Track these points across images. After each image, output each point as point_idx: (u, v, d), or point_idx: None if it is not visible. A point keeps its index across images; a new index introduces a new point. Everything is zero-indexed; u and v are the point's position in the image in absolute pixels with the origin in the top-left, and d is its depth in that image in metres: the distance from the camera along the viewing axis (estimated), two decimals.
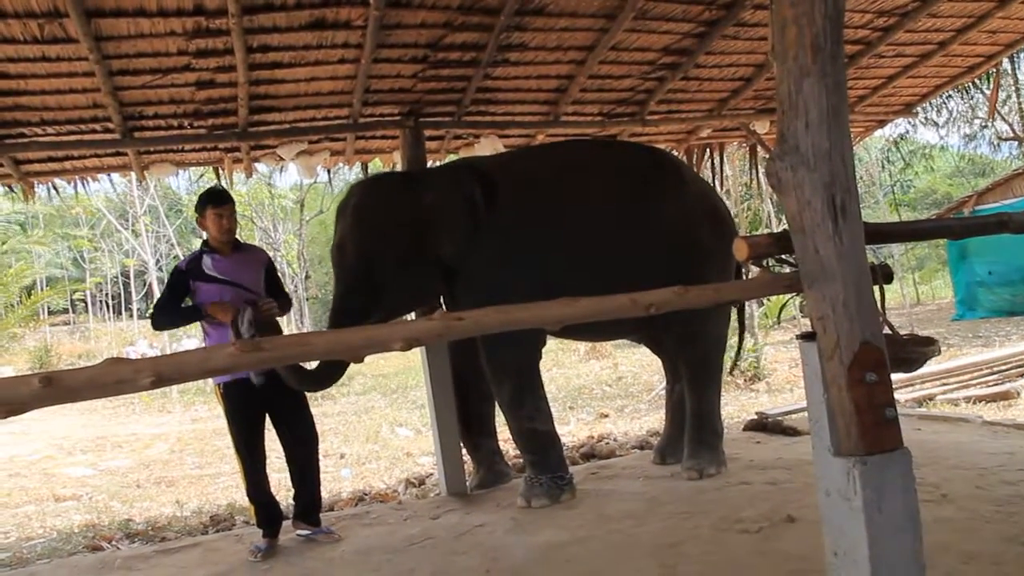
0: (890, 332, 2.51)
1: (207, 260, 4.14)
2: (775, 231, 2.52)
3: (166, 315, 4.13)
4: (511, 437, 4.69)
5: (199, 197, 4.35)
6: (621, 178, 4.72)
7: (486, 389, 4.74)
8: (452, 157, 5.79)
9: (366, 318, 4.09)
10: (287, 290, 4.66)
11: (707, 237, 4.76)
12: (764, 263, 2.62)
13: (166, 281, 4.34)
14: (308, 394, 4.37)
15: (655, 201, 4.69)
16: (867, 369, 2.20)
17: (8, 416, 1.61)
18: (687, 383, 4.98)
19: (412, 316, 4.79)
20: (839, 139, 2.23)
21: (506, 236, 4.38)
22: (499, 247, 4.36)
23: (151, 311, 4.35)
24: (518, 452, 4.93)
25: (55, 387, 1.63)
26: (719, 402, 5.10)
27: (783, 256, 2.44)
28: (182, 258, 4.42)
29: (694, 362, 4.94)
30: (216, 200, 4.21)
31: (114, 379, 1.68)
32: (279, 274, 4.70)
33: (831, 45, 2.21)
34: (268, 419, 4.18)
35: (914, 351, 2.68)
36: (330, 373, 4.19)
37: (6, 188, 5.51)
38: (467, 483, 5.11)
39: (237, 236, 4.37)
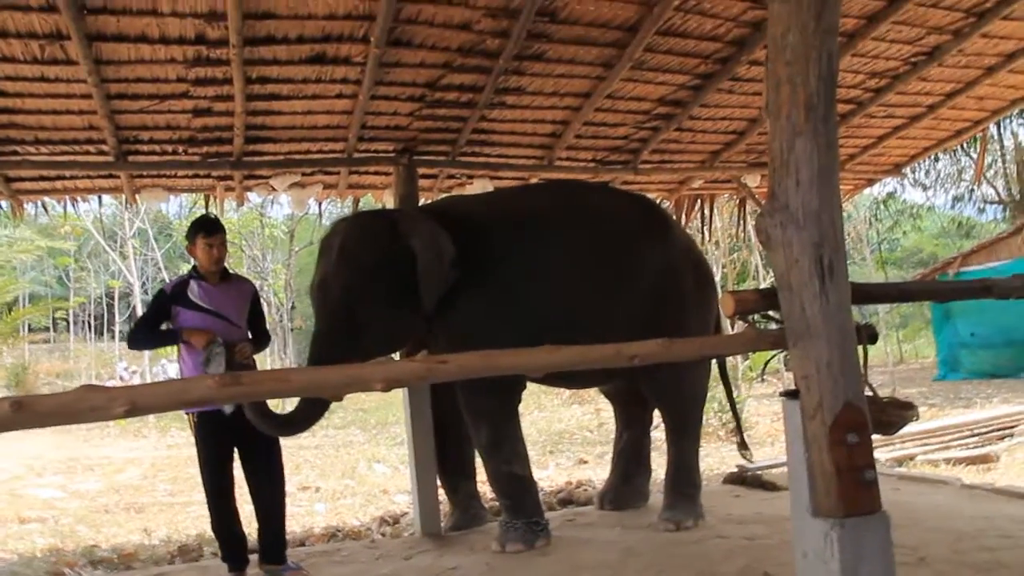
0: (871, 394, 2.52)
1: (194, 287, 4.10)
2: (762, 287, 2.53)
3: (143, 335, 4.16)
4: (487, 480, 4.63)
5: (191, 224, 4.32)
6: (610, 225, 4.72)
7: (466, 431, 4.66)
8: (443, 196, 5.80)
9: (345, 358, 3.91)
10: (270, 322, 4.61)
11: (691, 289, 4.83)
12: (750, 319, 2.63)
13: (149, 302, 4.30)
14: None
15: (643, 251, 4.71)
16: (848, 430, 2.20)
17: None
18: (668, 434, 5.01)
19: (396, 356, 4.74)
20: (829, 199, 2.26)
21: (491, 285, 4.34)
22: (483, 297, 4.33)
23: (130, 329, 4.28)
24: (494, 495, 4.86)
25: (25, 412, 1.60)
26: (698, 454, 5.09)
27: (769, 312, 2.45)
28: (168, 281, 4.38)
29: (675, 413, 4.96)
30: (208, 229, 4.18)
31: (87, 406, 1.65)
32: (263, 307, 4.63)
33: (824, 106, 2.25)
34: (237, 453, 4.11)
35: (894, 414, 2.69)
36: (307, 415, 4.03)
37: None
38: (442, 524, 5.04)
39: (226, 265, 4.34)
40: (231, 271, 4.42)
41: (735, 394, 10.67)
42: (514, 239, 4.48)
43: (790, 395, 2.34)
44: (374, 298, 4.20)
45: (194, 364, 3.95)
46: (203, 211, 5.60)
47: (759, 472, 6.42)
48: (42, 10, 3.52)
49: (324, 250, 4.42)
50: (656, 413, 5.30)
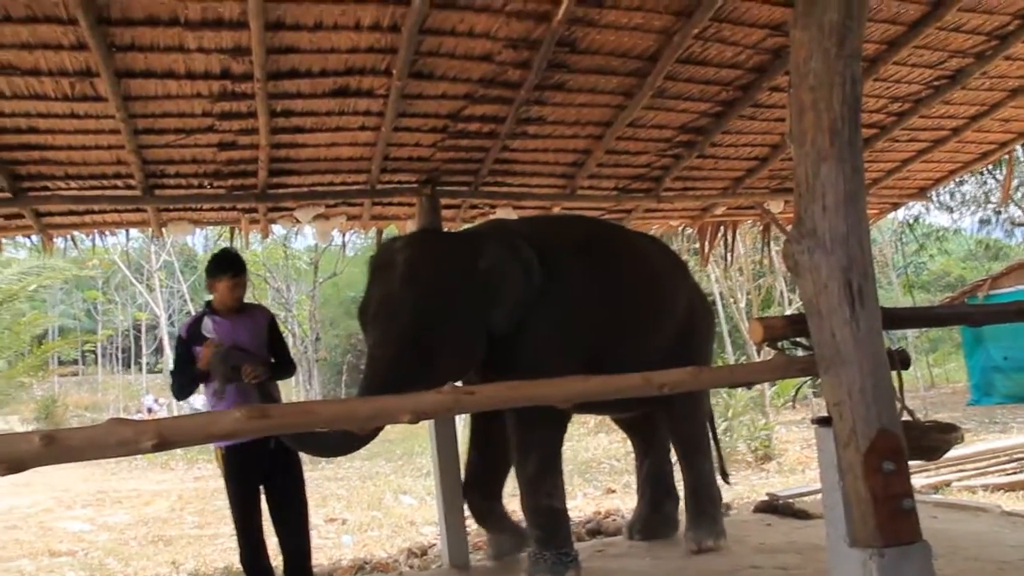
0: (910, 419, 2.47)
1: (207, 323, 4.04)
2: (790, 313, 2.51)
3: (179, 384, 4.08)
4: (523, 511, 4.53)
5: (211, 260, 4.20)
6: (649, 261, 4.83)
7: (507, 455, 4.55)
8: (466, 226, 5.82)
9: (412, 385, 3.79)
10: (294, 353, 4.54)
11: (705, 325, 5.11)
12: (778, 345, 2.59)
13: (174, 351, 4.25)
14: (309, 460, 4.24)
15: (674, 287, 4.81)
16: (884, 457, 2.16)
17: (8, 473, 1.58)
18: (682, 456, 5.10)
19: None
20: (856, 223, 2.24)
21: (557, 307, 4.24)
22: (550, 318, 4.22)
23: (171, 384, 4.23)
24: (528, 526, 4.77)
25: (56, 446, 1.61)
26: (712, 471, 5.17)
27: (798, 339, 2.42)
28: (192, 314, 4.35)
29: (688, 435, 5.07)
30: (232, 269, 4.06)
31: (115, 440, 1.66)
32: (283, 335, 4.51)
33: (849, 130, 2.23)
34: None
35: (936, 439, 2.64)
36: (348, 441, 3.76)
37: (27, 239, 5.55)
38: (473, 556, 4.97)
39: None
40: (246, 302, 4.29)
41: (764, 422, 10.68)
42: (576, 264, 4.43)
43: (822, 422, 2.30)
44: (445, 318, 3.94)
45: (216, 403, 3.94)
46: (227, 243, 5.63)
47: (790, 500, 6.32)
48: (73, 48, 3.60)
49: (382, 270, 4.16)
50: None
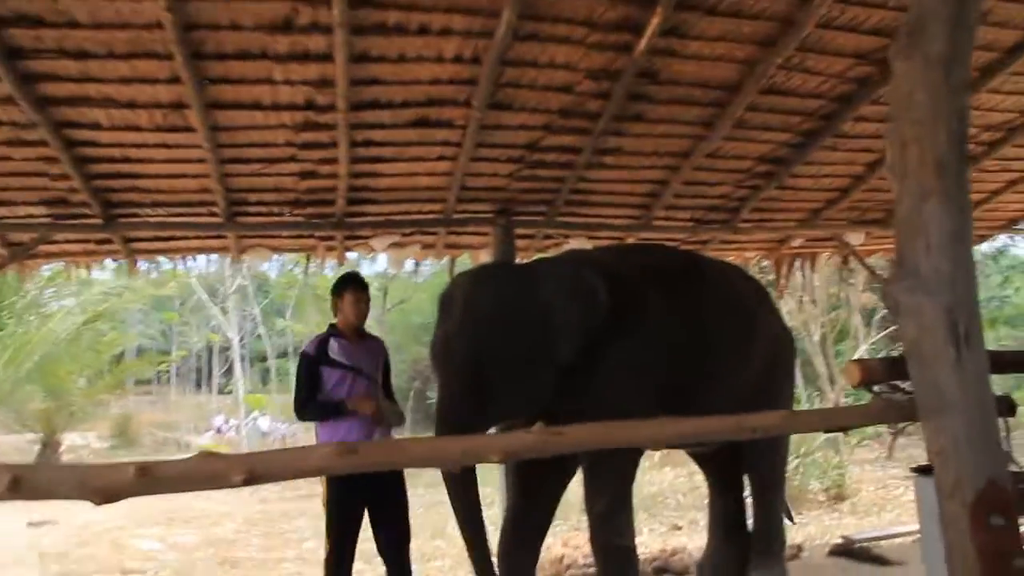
0: (1018, 469, 2.33)
1: (334, 345, 4.10)
2: (888, 355, 2.40)
3: (310, 408, 4.09)
4: (592, 550, 4.37)
5: (338, 280, 4.30)
6: (731, 291, 4.64)
7: (554, 496, 4.34)
8: (540, 256, 5.80)
9: (477, 424, 3.63)
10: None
11: (788, 358, 4.89)
12: (874, 389, 2.48)
13: (298, 370, 4.22)
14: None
15: (758, 318, 4.64)
16: (992, 511, 2.03)
17: (105, 503, 1.60)
18: (757, 494, 4.91)
19: None
20: (962, 263, 2.14)
21: (632, 338, 4.05)
22: (624, 349, 4.03)
23: (295, 400, 4.19)
24: (596, 566, 4.59)
25: (150, 478, 1.63)
26: (781, 511, 5.03)
27: (895, 382, 2.32)
28: (307, 343, 4.37)
29: (765, 475, 4.91)
30: (358, 284, 4.22)
31: (207, 474, 1.67)
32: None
33: (956, 167, 2.14)
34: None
35: None
36: None
37: (113, 261, 5.75)
38: None
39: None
40: (365, 330, 4.35)
41: (838, 460, 10.31)
42: (652, 292, 4.24)
43: (922, 471, 2.18)
44: (505, 356, 3.83)
45: (330, 434, 3.98)
46: (301, 268, 5.71)
47: (867, 544, 6.07)
48: (168, 82, 3.72)
49: (447, 305, 4.08)
50: None
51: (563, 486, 4.37)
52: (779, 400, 4.52)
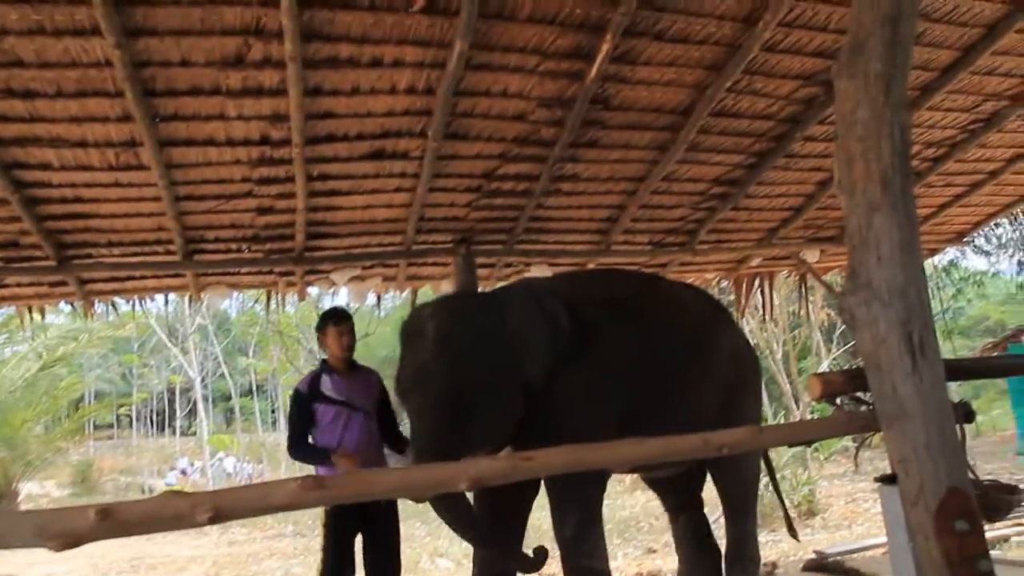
0: (972, 476, 2.37)
1: (326, 380, 4.09)
2: (848, 367, 2.44)
3: (300, 448, 4.08)
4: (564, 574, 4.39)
5: (321, 316, 4.32)
6: (688, 312, 4.68)
7: (521, 524, 4.30)
8: (500, 284, 5.81)
9: (461, 451, 3.55)
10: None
11: (752, 375, 4.88)
12: (837, 401, 2.52)
13: (290, 408, 4.23)
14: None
15: (716, 338, 4.67)
16: (956, 516, 2.07)
17: (65, 549, 1.56)
18: (729, 513, 4.93)
19: None
20: (913, 273, 2.19)
21: (587, 363, 4.09)
22: (581, 373, 4.07)
23: (288, 439, 4.19)
24: None
25: (112, 520, 1.59)
26: (755, 530, 5.03)
27: (857, 394, 2.35)
28: (301, 380, 4.32)
29: (738, 492, 4.92)
30: (337, 318, 4.20)
31: (172, 513, 1.63)
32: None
33: (900, 180, 2.20)
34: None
35: (998, 498, 2.53)
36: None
37: (68, 304, 5.63)
38: None
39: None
40: (358, 362, 4.31)
41: (807, 476, 10.40)
42: (609, 317, 4.28)
43: (887, 480, 2.21)
44: (482, 383, 3.85)
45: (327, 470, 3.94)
46: (262, 306, 5.65)
47: (840, 558, 6.11)
48: (119, 120, 3.69)
49: (413, 338, 4.06)
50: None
51: (530, 503, 4.34)
52: (746, 418, 4.46)
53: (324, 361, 4.22)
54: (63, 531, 1.55)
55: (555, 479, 3.91)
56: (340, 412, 4.02)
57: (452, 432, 3.72)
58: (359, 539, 4.08)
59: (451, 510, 3.65)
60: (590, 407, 4.01)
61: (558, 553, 4.19)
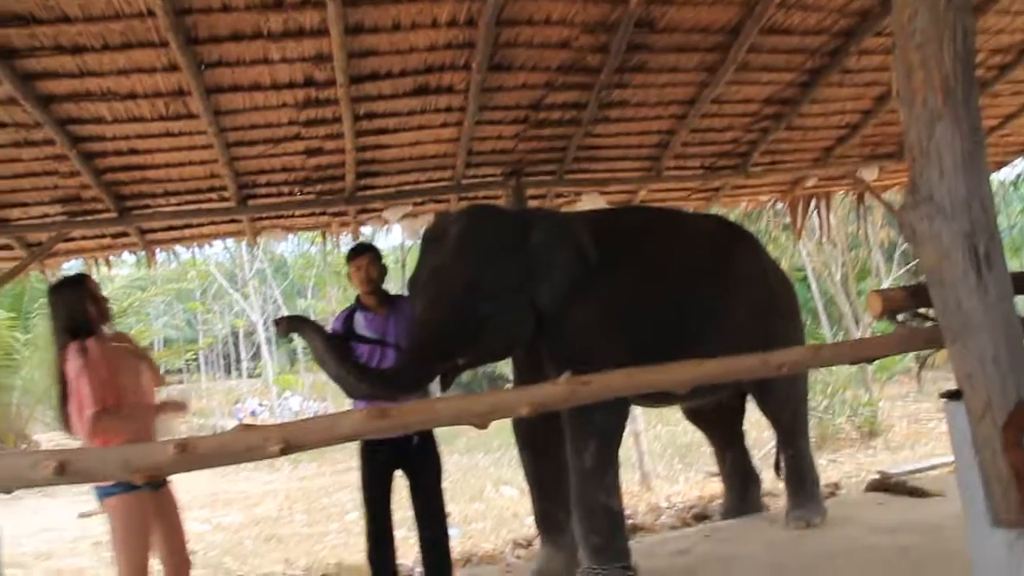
0: None
1: (359, 318, 4.06)
2: (908, 284, 2.39)
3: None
4: (575, 512, 4.05)
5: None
6: (706, 239, 4.69)
7: (564, 457, 4.16)
8: None
9: (456, 351, 3.76)
10: None
11: (784, 302, 4.91)
12: (898, 318, 2.47)
13: None
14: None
15: (738, 261, 4.68)
16: None
17: (148, 481, 1.64)
18: (783, 439, 5.05)
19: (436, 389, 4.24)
20: (977, 185, 2.11)
21: (605, 291, 4.07)
22: (597, 301, 4.06)
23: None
24: (579, 532, 4.10)
25: (189, 453, 1.66)
26: (811, 451, 5.11)
27: (919, 311, 2.31)
28: (335, 316, 4.30)
29: (790, 417, 5.00)
30: (357, 252, 4.15)
31: (244, 446, 1.70)
32: None
33: (964, 87, 2.11)
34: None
35: None
36: (415, 378, 3.73)
37: (132, 254, 5.80)
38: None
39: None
40: (392, 293, 4.25)
41: (868, 397, 10.30)
42: (629, 248, 4.27)
43: (952, 396, 2.18)
44: (496, 290, 3.82)
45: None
46: (317, 247, 5.69)
47: (903, 478, 6.08)
48: (166, 70, 3.72)
49: (434, 242, 4.04)
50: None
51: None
52: (783, 337, 4.46)
53: (358, 298, 4.16)
54: (145, 464, 1.64)
55: (571, 409, 3.81)
56: (375, 350, 3.98)
57: (455, 332, 3.73)
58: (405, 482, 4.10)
59: (310, 343, 3.65)
60: (597, 332, 3.99)
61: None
